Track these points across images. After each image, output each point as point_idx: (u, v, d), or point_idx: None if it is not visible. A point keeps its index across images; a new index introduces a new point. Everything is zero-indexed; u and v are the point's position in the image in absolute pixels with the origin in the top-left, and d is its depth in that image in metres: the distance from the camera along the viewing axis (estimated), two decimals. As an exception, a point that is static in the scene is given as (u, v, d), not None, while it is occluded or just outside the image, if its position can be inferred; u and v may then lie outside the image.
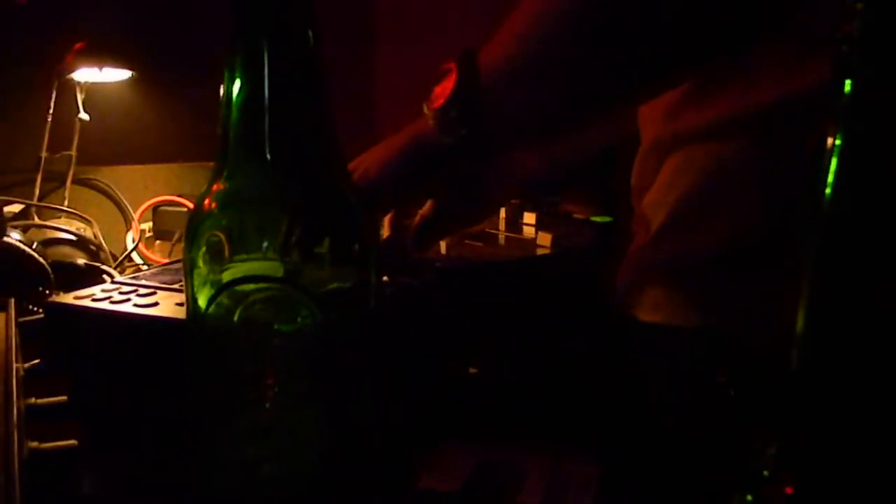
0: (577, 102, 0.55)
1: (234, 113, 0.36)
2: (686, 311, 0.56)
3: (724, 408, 0.51)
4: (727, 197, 0.53)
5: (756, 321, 0.50)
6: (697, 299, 0.55)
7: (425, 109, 0.60)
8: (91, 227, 1.20)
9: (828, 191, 0.21)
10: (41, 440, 0.53)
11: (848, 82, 0.20)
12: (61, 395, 0.57)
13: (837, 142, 0.21)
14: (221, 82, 0.36)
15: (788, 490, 0.24)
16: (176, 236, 1.27)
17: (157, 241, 1.30)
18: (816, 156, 0.21)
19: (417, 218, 0.66)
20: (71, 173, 1.28)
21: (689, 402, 0.56)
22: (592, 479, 0.56)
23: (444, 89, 0.58)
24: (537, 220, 0.97)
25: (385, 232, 0.72)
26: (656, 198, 0.59)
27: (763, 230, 0.51)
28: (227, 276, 0.37)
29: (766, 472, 0.25)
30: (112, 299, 0.56)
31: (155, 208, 1.32)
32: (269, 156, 0.36)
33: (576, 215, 1.07)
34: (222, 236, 0.37)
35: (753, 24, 0.48)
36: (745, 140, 0.52)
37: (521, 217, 1.00)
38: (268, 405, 0.38)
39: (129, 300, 0.55)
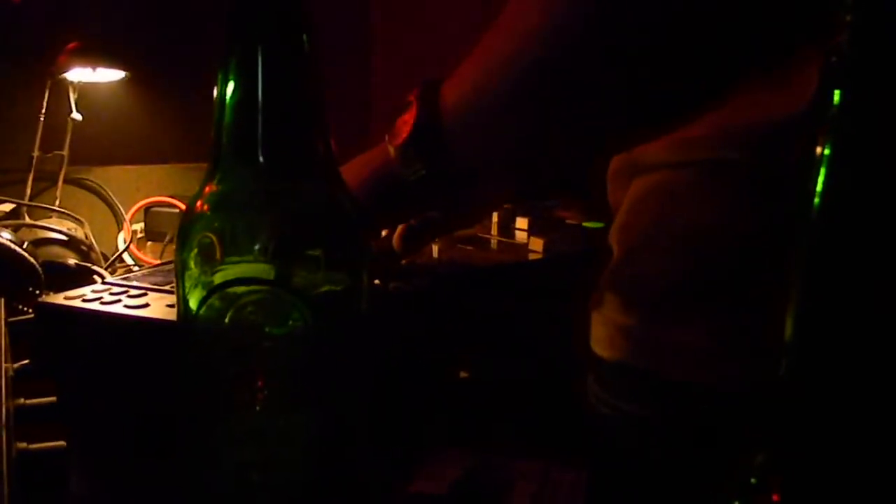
0: (539, 147, 0.54)
1: (228, 115, 0.36)
2: (632, 348, 0.54)
3: (675, 455, 0.50)
4: (676, 228, 0.52)
5: (699, 364, 0.50)
6: (643, 337, 0.53)
7: (387, 143, 0.58)
8: (82, 227, 1.20)
9: (816, 200, 0.21)
10: (30, 441, 0.53)
11: (837, 93, 0.20)
12: (50, 396, 0.57)
13: (826, 152, 0.21)
14: (215, 84, 0.36)
15: (775, 497, 0.24)
16: (167, 237, 1.27)
17: (149, 242, 1.30)
18: (800, 168, 0.22)
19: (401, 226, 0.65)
20: (63, 173, 1.28)
21: (637, 440, 0.55)
22: (580, 484, 0.56)
23: (404, 124, 0.56)
24: (530, 224, 0.97)
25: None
26: (618, 223, 0.58)
27: (709, 265, 0.50)
28: (218, 279, 0.36)
29: (753, 480, 0.25)
30: (102, 300, 0.55)
31: (147, 209, 1.32)
32: (261, 158, 0.36)
33: (568, 220, 1.08)
34: (214, 238, 0.37)
35: (719, 78, 0.47)
36: (695, 171, 0.50)
37: (514, 222, 1.00)
38: (258, 408, 0.38)
39: (119, 301, 0.55)
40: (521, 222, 0.99)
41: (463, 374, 0.73)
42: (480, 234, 0.95)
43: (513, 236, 0.96)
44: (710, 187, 0.49)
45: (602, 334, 0.56)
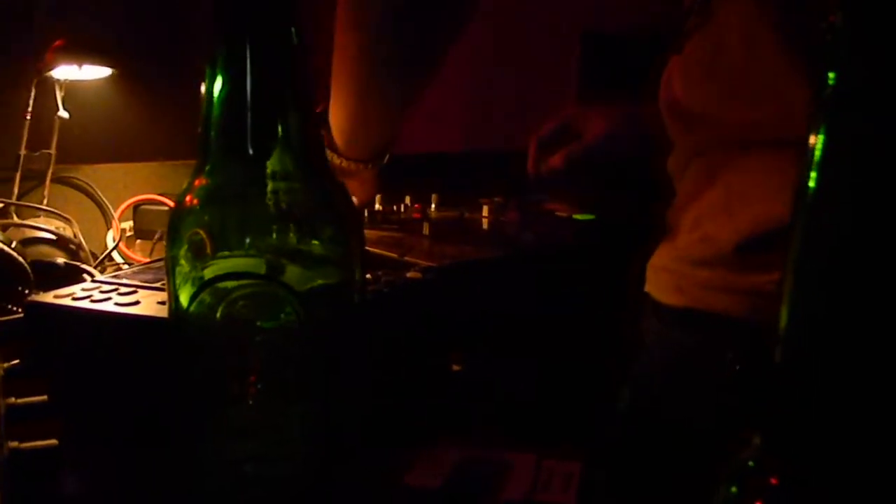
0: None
1: (216, 109, 0.36)
2: (705, 295, 0.59)
3: (728, 380, 0.52)
4: (748, 199, 0.57)
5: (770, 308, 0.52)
6: (716, 285, 0.58)
7: None
8: (71, 226, 1.19)
9: (811, 184, 0.21)
10: (21, 440, 0.53)
11: (832, 74, 0.20)
12: (41, 394, 0.57)
13: (821, 135, 0.21)
14: (202, 79, 0.36)
15: (773, 481, 0.24)
16: (157, 235, 1.26)
17: (138, 241, 1.30)
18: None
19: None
20: (50, 172, 1.27)
21: (691, 381, 0.59)
22: (574, 475, 0.56)
23: None
24: (520, 218, 0.97)
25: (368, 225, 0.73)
26: (685, 196, 0.64)
27: (780, 225, 0.52)
28: (209, 274, 0.36)
29: (750, 463, 0.25)
30: (93, 298, 0.55)
31: (135, 207, 1.31)
32: (251, 151, 0.36)
33: (558, 213, 1.08)
34: (204, 233, 0.36)
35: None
36: (756, 150, 0.55)
37: (504, 215, 1.00)
38: (251, 402, 0.38)
39: (109, 299, 0.55)
40: (512, 216, 0.99)
41: (456, 368, 0.73)
42: (472, 228, 0.95)
43: (504, 229, 0.96)
44: (772, 168, 0.52)
45: (669, 283, 0.63)
